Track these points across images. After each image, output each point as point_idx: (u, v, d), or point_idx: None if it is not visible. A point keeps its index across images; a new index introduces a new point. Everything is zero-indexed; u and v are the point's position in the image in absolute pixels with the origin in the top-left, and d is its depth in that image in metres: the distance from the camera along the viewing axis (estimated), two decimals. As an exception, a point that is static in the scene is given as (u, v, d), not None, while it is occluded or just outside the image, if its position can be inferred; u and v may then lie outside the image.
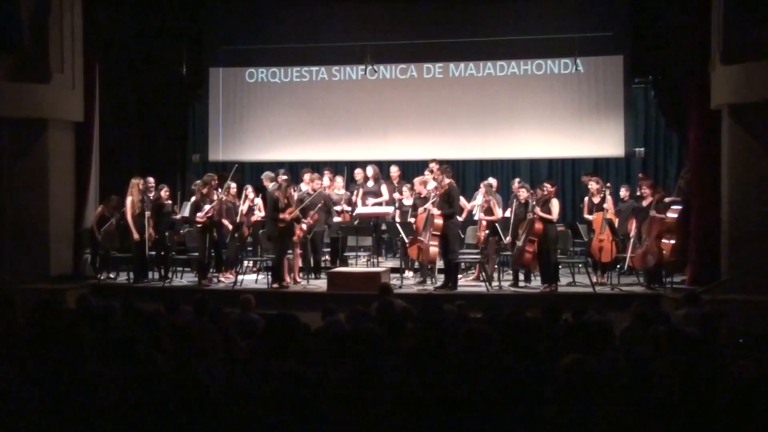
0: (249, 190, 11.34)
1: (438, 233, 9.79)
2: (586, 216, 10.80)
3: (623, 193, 10.91)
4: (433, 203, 9.88)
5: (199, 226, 10.40)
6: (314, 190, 10.92)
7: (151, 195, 11.08)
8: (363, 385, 3.62)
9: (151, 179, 11.30)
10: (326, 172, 11.76)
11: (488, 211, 10.88)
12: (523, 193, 10.04)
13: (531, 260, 9.84)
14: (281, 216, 9.98)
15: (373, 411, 3.30)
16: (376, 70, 12.72)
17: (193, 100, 13.96)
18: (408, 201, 11.11)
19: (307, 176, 11.18)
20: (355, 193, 11.69)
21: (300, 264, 10.70)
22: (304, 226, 10.39)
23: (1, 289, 9.15)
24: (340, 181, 11.67)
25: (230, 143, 13.60)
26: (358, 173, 11.82)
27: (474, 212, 11.23)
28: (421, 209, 10.15)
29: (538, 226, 9.67)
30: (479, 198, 11.10)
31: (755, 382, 3.47)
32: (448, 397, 3.24)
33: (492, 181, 11.50)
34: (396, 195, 11.42)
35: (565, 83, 12.84)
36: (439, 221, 9.76)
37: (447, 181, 9.93)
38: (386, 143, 13.23)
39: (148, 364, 3.77)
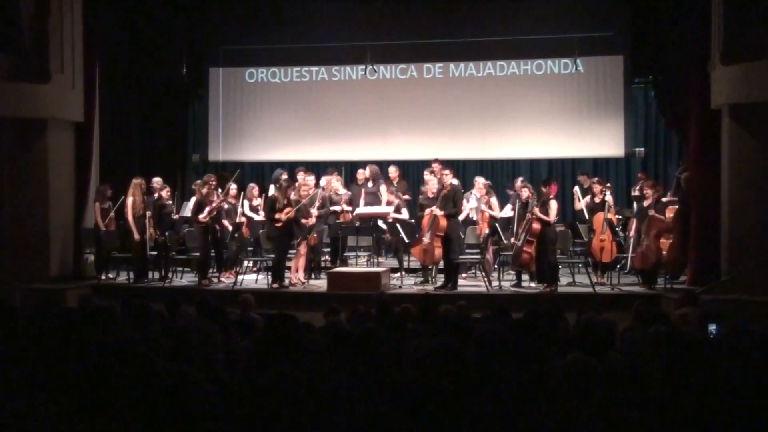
0: (255, 190, 11.43)
1: (441, 234, 9.80)
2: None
3: (635, 194, 10.92)
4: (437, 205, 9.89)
5: (200, 225, 10.38)
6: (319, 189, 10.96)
7: (155, 195, 11.07)
8: (364, 386, 3.62)
9: (159, 179, 11.27)
10: (333, 172, 11.80)
11: (489, 208, 10.95)
12: (525, 193, 10.03)
13: (529, 260, 9.83)
14: (276, 216, 9.99)
15: (374, 411, 3.29)
16: (376, 70, 12.73)
17: (193, 100, 13.97)
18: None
19: (301, 175, 11.10)
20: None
21: (303, 264, 10.70)
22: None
23: (1, 289, 9.15)
24: (336, 181, 11.64)
25: (230, 143, 13.61)
26: (360, 174, 11.81)
27: (470, 214, 11.19)
28: (427, 210, 10.12)
29: (536, 226, 9.67)
30: (473, 201, 11.11)
31: (754, 381, 3.47)
32: (450, 397, 3.24)
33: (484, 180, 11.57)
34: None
35: (565, 83, 12.84)
36: (443, 222, 9.77)
37: (449, 181, 9.93)
38: (386, 143, 13.23)
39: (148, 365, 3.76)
